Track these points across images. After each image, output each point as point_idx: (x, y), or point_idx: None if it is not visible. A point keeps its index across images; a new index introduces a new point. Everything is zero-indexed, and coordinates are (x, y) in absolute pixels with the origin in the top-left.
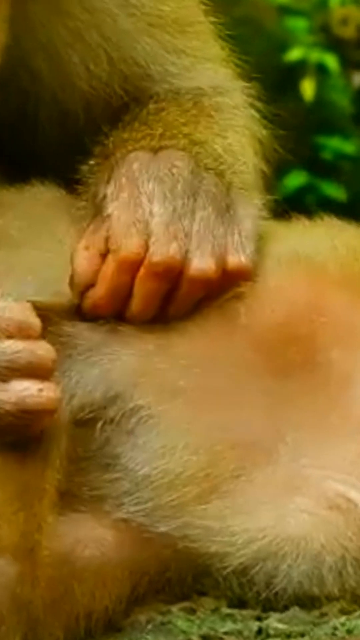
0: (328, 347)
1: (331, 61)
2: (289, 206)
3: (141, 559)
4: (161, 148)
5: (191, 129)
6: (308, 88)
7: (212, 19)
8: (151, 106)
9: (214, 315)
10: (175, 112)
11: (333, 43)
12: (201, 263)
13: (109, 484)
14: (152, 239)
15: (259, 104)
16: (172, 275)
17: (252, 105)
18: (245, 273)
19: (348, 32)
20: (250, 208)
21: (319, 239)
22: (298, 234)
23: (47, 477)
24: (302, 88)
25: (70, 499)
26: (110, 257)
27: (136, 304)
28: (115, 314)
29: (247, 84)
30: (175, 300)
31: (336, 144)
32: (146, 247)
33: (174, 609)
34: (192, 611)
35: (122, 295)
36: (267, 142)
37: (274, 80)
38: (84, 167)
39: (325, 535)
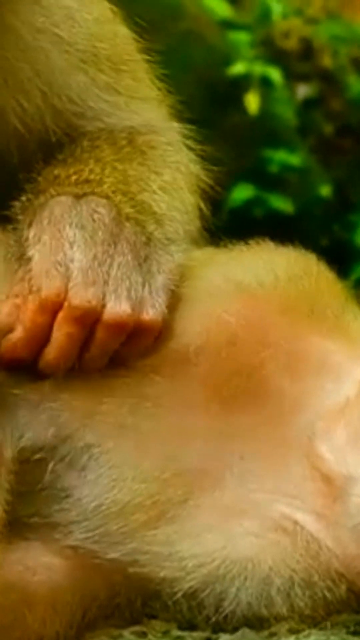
0: (273, 375)
1: (275, 74)
2: (236, 219)
3: (91, 584)
4: (84, 195)
5: (126, 166)
6: (252, 101)
7: (147, 57)
8: (85, 143)
9: (160, 353)
10: (108, 149)
11: (276, 56)
12: (116, 306)
13: (58, 513)
14: (72, 283)
15: (192, 142)
16: (90, 321)
17: (186, 145)
18: (156, 328)
19: (290, 45)
20: (168, 262)
21: (257, 265)
22: (236, 262)
23: None
24: (247, 101)
25: (19, 527)
26: (30, 298)
27: (52, 350)
28: (33, 360)
29: (180, 124)
30: (92, 348)
31: (282, 157)
32: (66, 291)
33: (125, 632)
34: (143, 634)
35: (41, 339)
36: (203, 179)
37: (218, 94)
38: (16, 204)
39: (272, 557)
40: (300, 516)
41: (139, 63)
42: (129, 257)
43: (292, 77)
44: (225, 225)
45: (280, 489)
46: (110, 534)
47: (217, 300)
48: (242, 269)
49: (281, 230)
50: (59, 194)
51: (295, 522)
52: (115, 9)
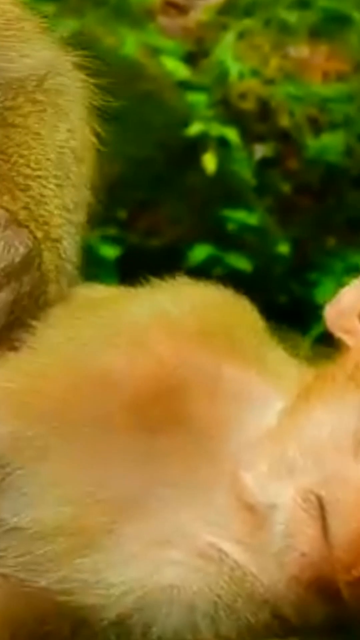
0: (194, 400)
1: (232, 134)
2: (195, 278)
3: (20, 612)
4: None
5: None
6: (210, 161)
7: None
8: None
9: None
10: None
11: (233, 116)
12: None
13: None
14: None
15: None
16: None
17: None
18: None
19: (248, 105)
20: None
21: (176, 296)
22: (156, 293)
23: None
24: (204, 162)
25: None
26: None
27: None
28: None
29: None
30: None
31: (240, 216)
32: None
33: None
34: None
35: None
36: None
37: (176, 155)
38: None
39: (197, 584)
40: (225, 545)
41: (28, 22)
42: None
43: (250, 137)
44: None
45: (205, 517)
46: (38, 561)
47: (140, 327)
48: (163, 299)
49: (240, 289)
50: None
51: (220, 550)
52: None
